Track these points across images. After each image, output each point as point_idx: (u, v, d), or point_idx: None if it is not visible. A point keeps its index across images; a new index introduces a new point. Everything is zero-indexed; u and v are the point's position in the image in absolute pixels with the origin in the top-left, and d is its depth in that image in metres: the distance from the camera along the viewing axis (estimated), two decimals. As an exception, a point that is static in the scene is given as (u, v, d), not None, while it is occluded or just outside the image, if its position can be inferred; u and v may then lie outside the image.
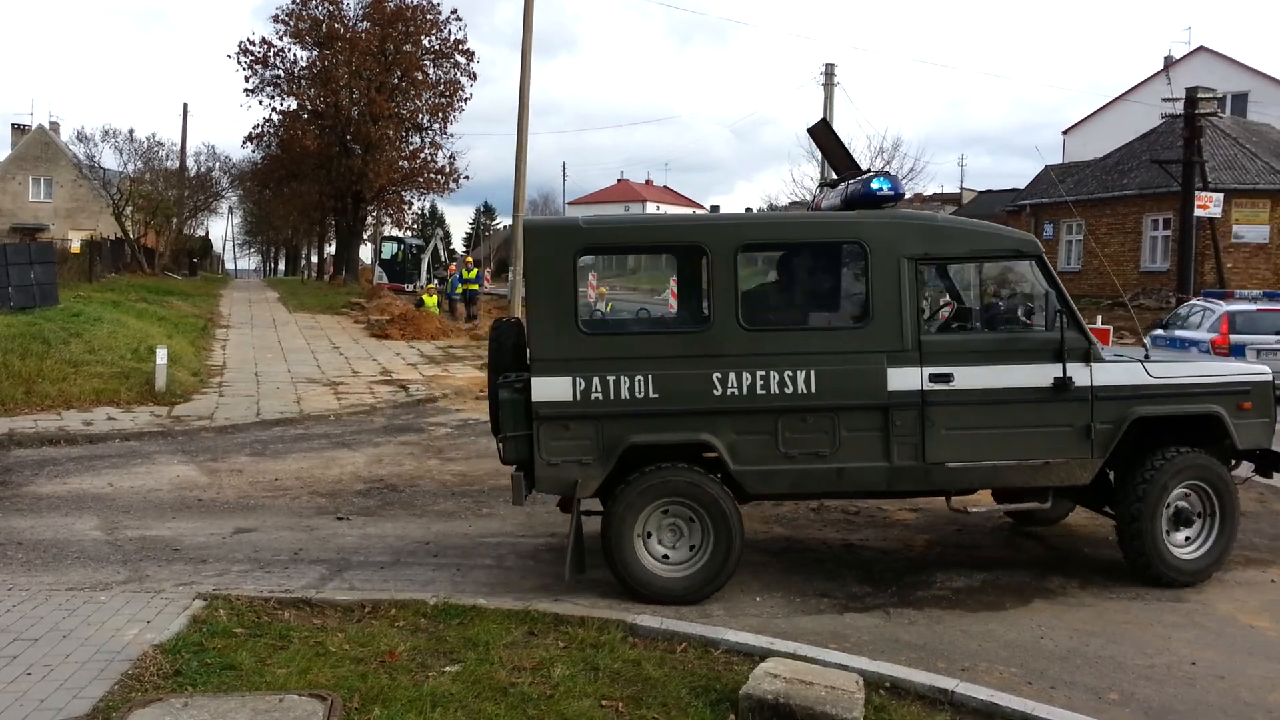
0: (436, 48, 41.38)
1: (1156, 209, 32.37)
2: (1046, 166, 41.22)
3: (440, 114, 41.78)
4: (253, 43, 40.71)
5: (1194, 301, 17.63)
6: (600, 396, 5.81)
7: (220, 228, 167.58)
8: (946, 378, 5.95)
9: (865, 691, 4.27)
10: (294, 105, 41.36)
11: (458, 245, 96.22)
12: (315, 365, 17.68)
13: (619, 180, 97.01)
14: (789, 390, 5.86)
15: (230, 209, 75.82)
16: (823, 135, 7.79)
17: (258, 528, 7.52)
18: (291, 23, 39.80)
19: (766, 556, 6.87)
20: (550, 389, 5.81)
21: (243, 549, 6.95)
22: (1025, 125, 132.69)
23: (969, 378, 5.98)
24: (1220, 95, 34.16)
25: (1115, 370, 6.16)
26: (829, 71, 42.26)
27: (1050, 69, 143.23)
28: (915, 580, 6.34)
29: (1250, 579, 6.45)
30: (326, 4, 40.07)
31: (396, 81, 40.87)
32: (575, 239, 6.02)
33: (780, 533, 7.57)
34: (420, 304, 27.80)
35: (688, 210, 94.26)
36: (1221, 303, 15.32)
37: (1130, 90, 45.28)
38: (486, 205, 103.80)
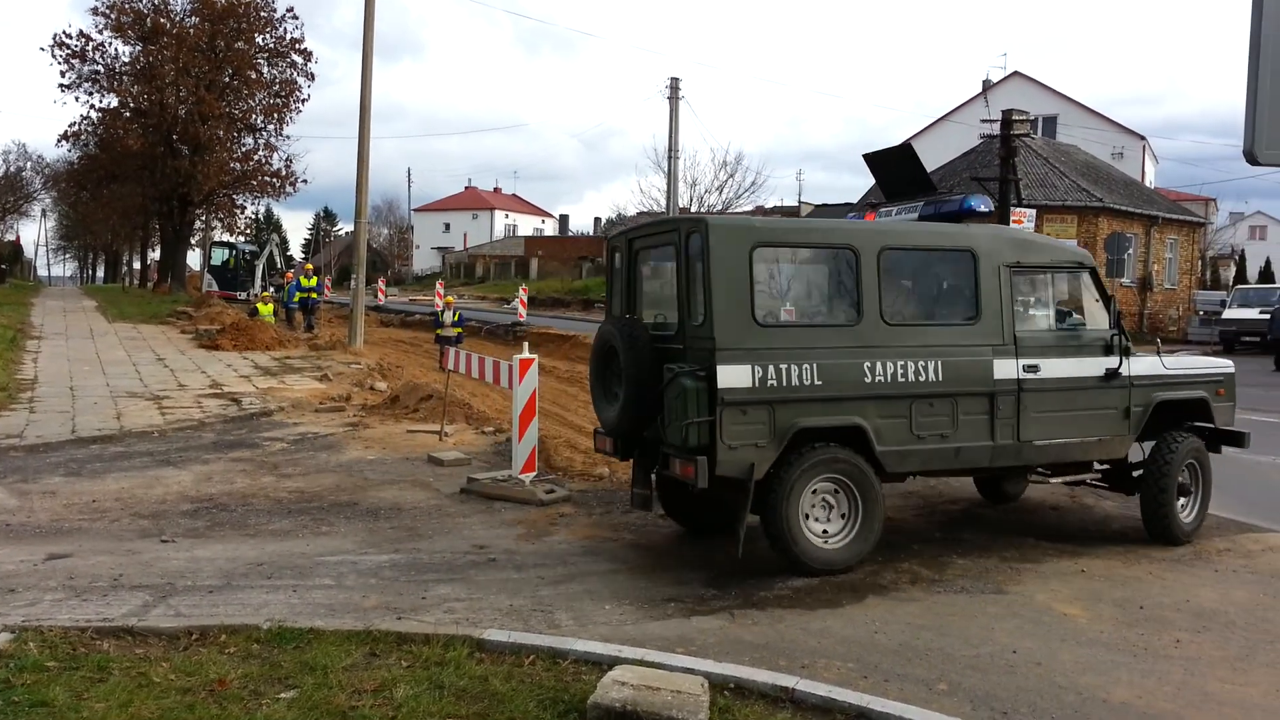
0: (271, 46, 39.84)
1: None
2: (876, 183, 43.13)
3: (275, 115, 40.24)
4: (69, 35, 38.17)
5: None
6: (775, 384, 6.39)
7: (32, 232, 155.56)
8: (1035, 368, 7.10)
9: (710, 693, 4.34)
10: (115, 103, 38.99)
11: (296, 252, 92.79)
12: (137, 378, 16.65)
13: (467, 187, 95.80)
14: (921, 379, 6.74)
15: (44, 212, 70.80)
16: (902, 157, 8.79)
17: (73, 553, 7.01)
18: (113, 15, 37.51)
19: (616, 564, 6.90)
20: (733, 376, 6.30)
21: (56, 576, 6.45)
22: (858, 143, 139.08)
23: (1051, 368, 7.18)
24: (1033, 117, 36.75)
25: (1143, 363, 7.65)
26: (674, 85, 43.04)
27: (880, 90, 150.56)
28: (758, 581, 6.50)
29: (1063, 570, 6.92)
30: (151, -3, 37.99)
31: (228, 80, 39.11)
32: (750, 236, 6.53)
33: (629, 539, 7.62)
34: (254, 313, 26.64)
35: (536, 218, 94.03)
36: None
37: (952, 111, 48.12)
38: (327, 210, 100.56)
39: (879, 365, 6.63)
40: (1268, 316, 25.71)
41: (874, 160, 9.05)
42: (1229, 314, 30.76)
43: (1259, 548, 7.56)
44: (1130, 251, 33.24)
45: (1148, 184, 45.09)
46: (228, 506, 8.50)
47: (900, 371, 6.67)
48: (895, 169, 8.74)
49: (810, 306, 7.31)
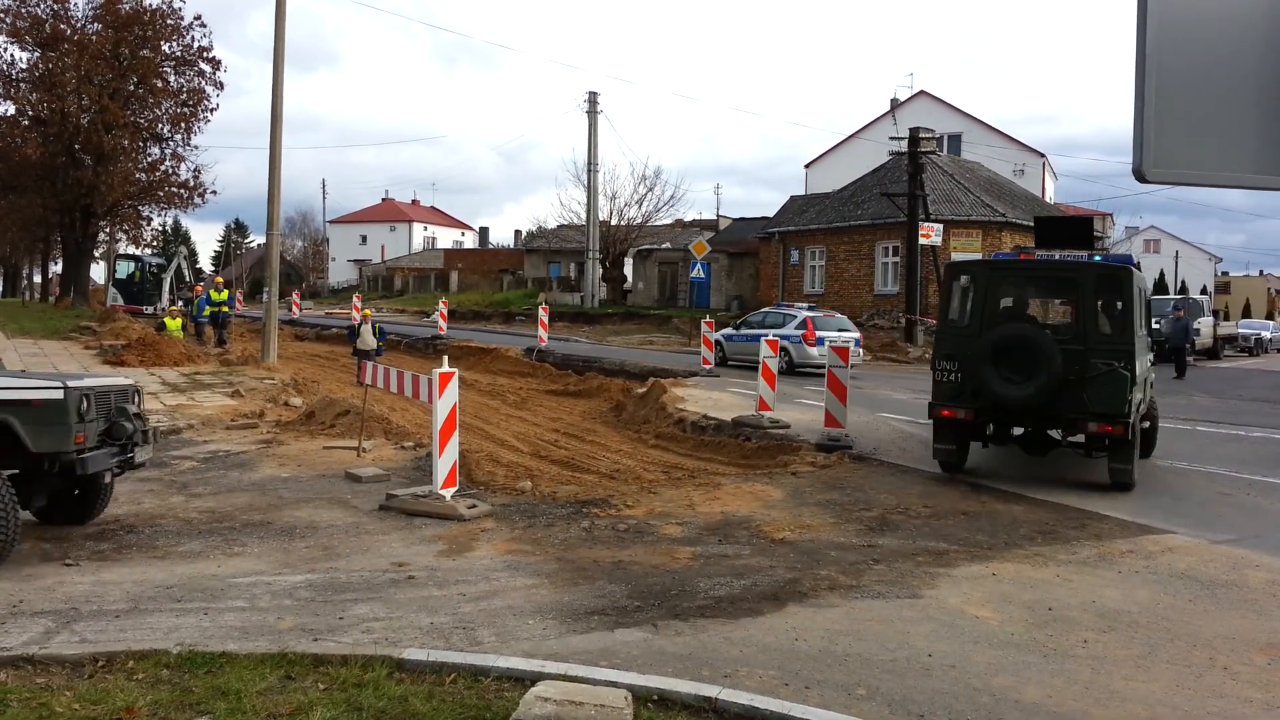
0: (178, 54, 38.74)
1: (887, 237, 35.32)
2: (791, 197, 43.99)
3: (183, 124, 39.11)
4: (-40, 40, 36.53)
5: (768, 310, 26.31)
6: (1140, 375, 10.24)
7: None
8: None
9: (634, 706, 4.35)
10: (12, 110, 37.48)
11: (206, 264, 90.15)
12: (37, 396, 15.94)
13: (384, 199, 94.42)
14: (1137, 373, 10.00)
15: (-67, 223, 67.44)
16: (1085, 227, 12.54)
17: (-34, 581, 6.68)
18: (9, 20, 36.05)
19: (538, 579, 6.86)
20: (1141, 367, 10.28)
21: (-53, 606, 6.14)
22: (772, 159, 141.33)
23: (1143, 365, 10.59)
24: (939, 135, 37.89)
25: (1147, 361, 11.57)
26: (592, 100, 43.17)
27: (792, 108, 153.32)
28: (681, 592, 6.54)
29: (975, 574, 7.11)
30: (51, 3, 36.63)
31: (133, 88, 37.90)
32: (1139, 280, 10.97)
33: (552, 553, 7.59)
34: (162, 327, 25.80)
35: (456, 231, 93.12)
36: (801, 310, 23.97)
37: (863, 128, 49.25)
38: (238, 222, 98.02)
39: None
40: (1160, 326, 26.85)
41: (1049, 221, 13.96)
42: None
43: (1159, 549, 7.88)
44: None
45: (1048, 200, 46.77)
46: (135, 528, 8.21)
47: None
48: (1069, 229, 12.78)
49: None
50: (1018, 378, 9.79)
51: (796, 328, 22.91)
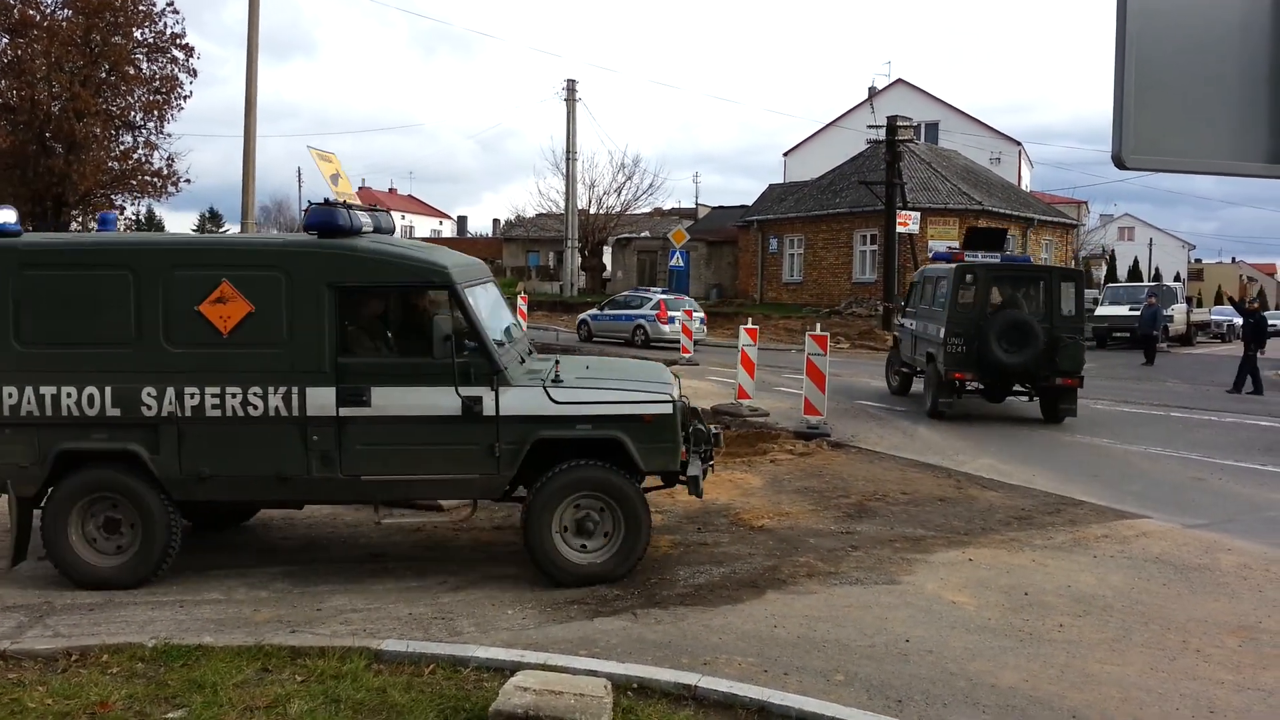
0: (151, 41, 38.19)
1: (865, 225, 35.42)
2: (770, 185, 44.03)
3: (156, 112, 38.57)
4: (-75, 24, 35.87)
5: (629, 293, 30.43)
6: None
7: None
8: None
9: (613, 695, 4.35)
10: (-20, 97, 36.84)
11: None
12: (8, 388, 15.75)
13: (361, 188, 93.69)
14: None
15: (-101, 212, 66.28)
16: (999, 236, 16.45)
17: (-64, 575, 6.59)
18: (-26, 6, 35.44)
19: (519, 568, 6.84)
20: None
21: (-84, 601, 6.06)
22: (750, 147, 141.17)
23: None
24: (916, 124, 38.00)
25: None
26: (571, 87, 42.95)
27: (770, 96, 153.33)
28: (660, 580, 6.54)
29: (952, 559, 7.15)
30: (18, -13, 36.03)
31: (104, 75, 37.35)
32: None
33: (529, 544, 7.57)
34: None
35: (434, 220, 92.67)
36: (656, 294, 28.03)
37: (841, 117, 49.29)
38: (212, 211, 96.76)
39: None
40: (1137, 313, 27.09)
41: (975, 230, 17.30)
42: (1101, 311, 32.29)
43: (1133, 533, 7.96)
44: (1009, 252, 34.72)
45: (1024, 188, 47.06)
46: (108, 521, 8.11)
47: None
48: (987, 236, 16.29)
49: None
50: (1014, 349, 13.17)
51: (651, 308, 26.55)
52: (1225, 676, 5.08)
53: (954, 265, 14.48)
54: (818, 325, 19.26)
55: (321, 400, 6.31)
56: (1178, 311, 33.02)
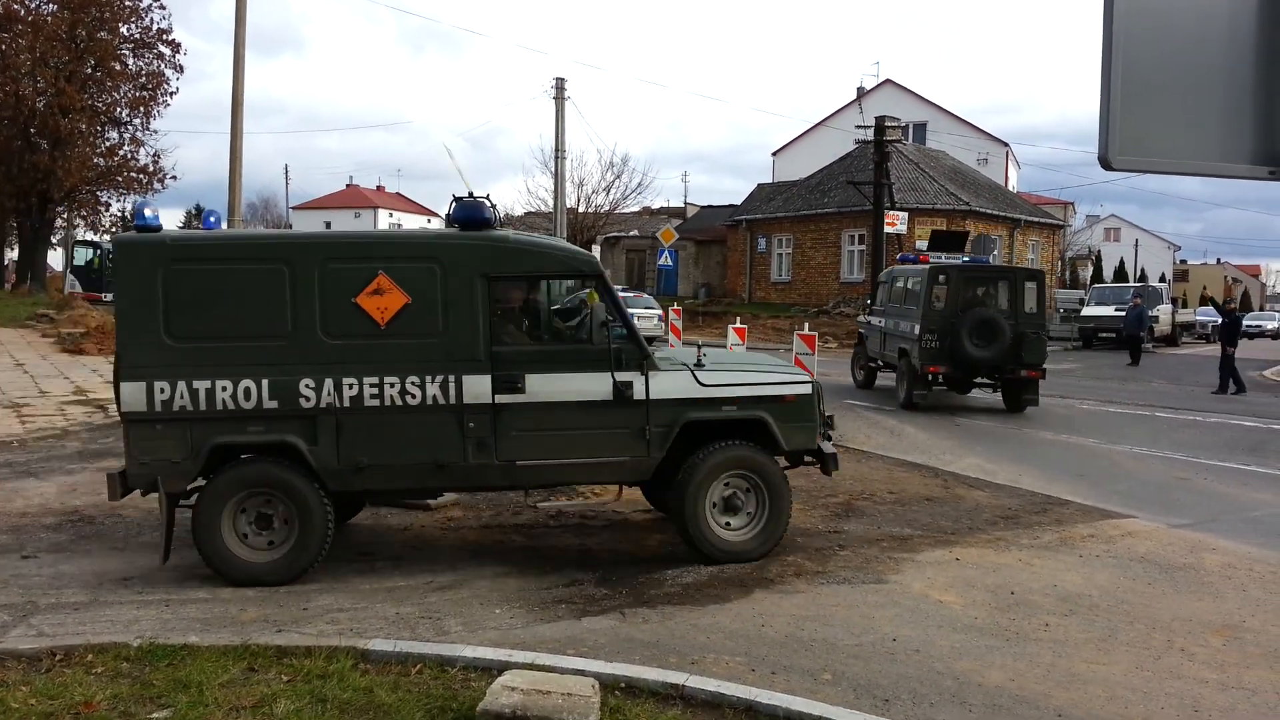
0: (137, 36, 37.97)
1: (853, 225, 35.50)
2: (759, 185, 44.05)
3: (142, 108, 38.35)
4: (-93, 20, 35.55)
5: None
6: None
7: None
8: None
9: (601, 694, 4.34)
10: (-37, 93, 36.54)
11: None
12: (-8, 386, 15.66)
13: (348, 185, 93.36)
14: None
15: (-118, 208, 65.70)
16: (958, 234, 18.51)
17: (-82, 574, 6.54)
18: (-42, 0, 35.14)
19: (506, 567, 6.83)
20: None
21: (-102, 600, 6.01)
22: (738, 146, 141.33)
23: None
24: (904, 124, 38.09)
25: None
26: (560, 85, 42.89)
27: (758, 95, 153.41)
28: (648, 579, 6.54)
29: (939, 559, 7.18)
30: (3, -19, 35.76)
31: (90, 71, 37.12)
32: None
33: (519, 542, 7.56)
34: (121, 316, 25.33)
35: (422, 218, 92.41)
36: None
37: (829, 117, 49.31)
38: (199, 208, 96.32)
39: None
40: (1123, 314, 27.23)
41: (939, 233, 19.34)
42: (1087, 311, 32.47)
43: (1119, 533, 8.00)
44: (996, 253, 34.85)
45: (1011, 188, 47.23)
46: (94, 519, 8.07)
47: None
48: (950, 239, 18.47)
49: None
50: (984, 344, 14.25)
51: None
52: (1210, 675, 5.11)
53: (928, 266, 15.43)
54: (806, 325, 19.32)
55: (477, 388, 6.48)
56: (1163, 312, 33.23)
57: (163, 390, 6.23)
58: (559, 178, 43.88)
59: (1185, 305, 43.02)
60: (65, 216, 44.31)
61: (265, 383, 6.30)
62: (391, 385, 6.39)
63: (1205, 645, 5.54)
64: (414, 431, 6.45)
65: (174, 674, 4.71)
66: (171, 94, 39.09)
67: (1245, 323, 43.25)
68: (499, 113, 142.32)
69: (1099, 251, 62.82)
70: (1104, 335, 29.96)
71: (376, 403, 6.38)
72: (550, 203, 45.91)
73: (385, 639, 5.21)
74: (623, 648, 5.27)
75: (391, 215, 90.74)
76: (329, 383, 6.34)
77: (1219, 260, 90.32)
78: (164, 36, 38.61)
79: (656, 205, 56.24)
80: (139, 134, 39.46)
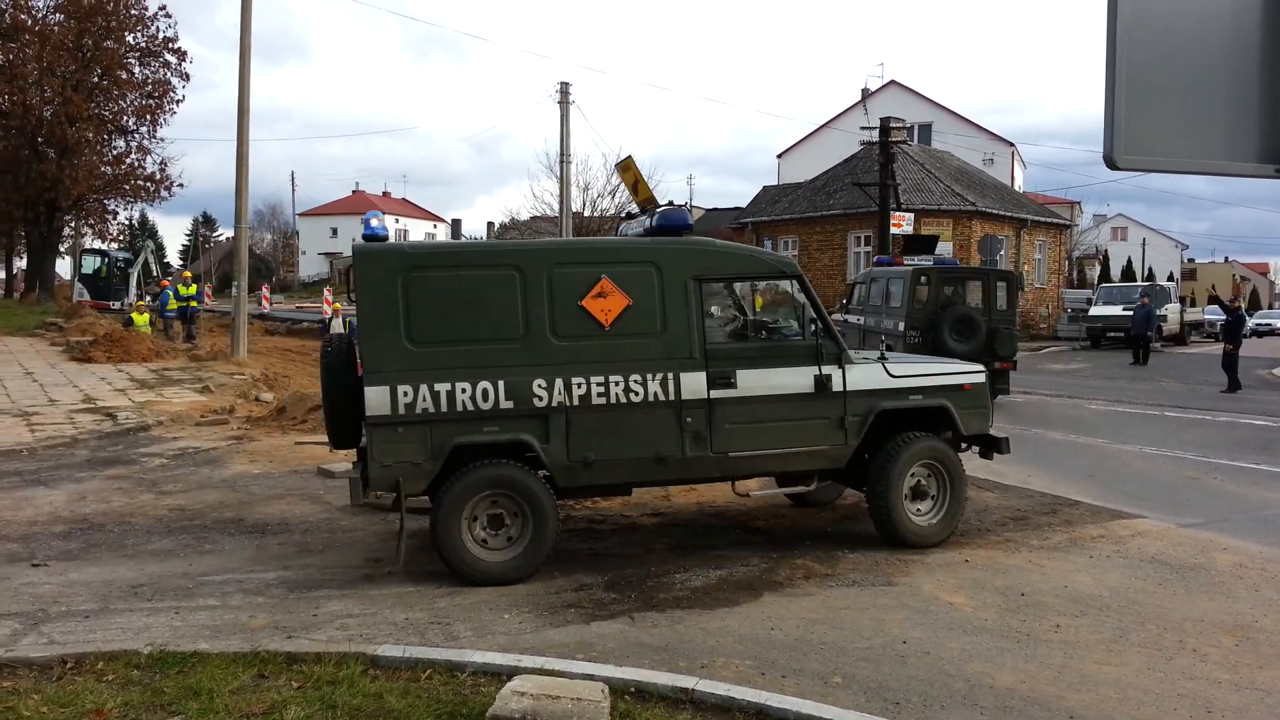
0: (143, 45, 38.20)
1: (859, 226, 35.45)
2: (764, 187, 44.03)
3: (148, 116, 38.57)
4: (-84, 30, 35.77)
5: None
6: None
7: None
8: None
9: (611, 699, 4.34)
10: (-28, 103, 36.75)
11: (174, 258, 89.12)
12: (4, 394, 15.73)
13: (354, 191, 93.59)
14: None
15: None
16: (928, 239, 19.99)
17: (-70, 583, 6.56)
18: (-34, 11, 35.35)
19: (512, 572, 6.83)
20: None
21: (-90, 609, 6.03)
22: (743, 149, 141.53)
23: None
24: (909, 125, 38.05)
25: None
26: (564, 90, 42.94)
27: (763, 98, 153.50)
28: (657, 583, 6.54)
29: (948, 560, 7.15)
30: (10, -8, 35.96)
31: (96, 80, 37.31)
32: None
33: (525, 547, 7.55)
34: (129, 323, 25.49)
35: (427, 223, 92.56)
36: None
37: (834, 119, 49.29)
38: (206, 215, 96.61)
39: None
40: (1131, 313, 27.14)
41: (912, 237, 20.68)
42: (1095, 311, 32.38)
43: (1129, 533, 7.97)
44: (1002, 253, 34.81)
45: (1017, 188, 47.11)
46: (104, 526, 8.10)
47: None
48: (921, 242, 20.23)
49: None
50: (963, 339, 15.15)
51: None
52: (1222, 676, 5.08)
53: (910, 267, 16.82)
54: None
55: (694, 384, 6.84)
56: (1171, 311, 33.13)
57: (405, 393, 6.39)
58: (564, 182, 43.90)
59: (1194, 304, 42.87)
60: (73, 225, 44.49)
61: (501, 384, 6.52)
62: (616, 383, 6.70)
63: (1217, 646, 5.52)
64: (637, 427, 6.74)
65: (184, 681, 4.72)
66: (178, 102, 39.27)
67: (1255, 321, 43.20)
68: (504, 118, 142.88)
69: (1106, 251, 62.66)
70: (1112, 335, 29.87)
71: (603, 400, 6.67)
72: (556, 207, 45.95)
73: (395, 645, 5.21)
74: (632, 652, 5.26)
75: (398, 221, 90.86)
76: (559, 382, 6.60)
77: (1227, 259, 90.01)
78: (170, 45, 38.83)
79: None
80: (146, 142, 39.68)
